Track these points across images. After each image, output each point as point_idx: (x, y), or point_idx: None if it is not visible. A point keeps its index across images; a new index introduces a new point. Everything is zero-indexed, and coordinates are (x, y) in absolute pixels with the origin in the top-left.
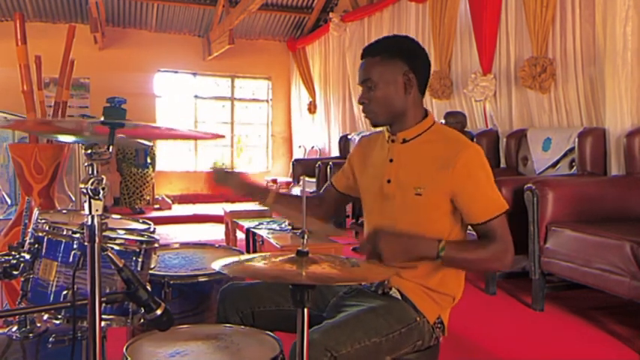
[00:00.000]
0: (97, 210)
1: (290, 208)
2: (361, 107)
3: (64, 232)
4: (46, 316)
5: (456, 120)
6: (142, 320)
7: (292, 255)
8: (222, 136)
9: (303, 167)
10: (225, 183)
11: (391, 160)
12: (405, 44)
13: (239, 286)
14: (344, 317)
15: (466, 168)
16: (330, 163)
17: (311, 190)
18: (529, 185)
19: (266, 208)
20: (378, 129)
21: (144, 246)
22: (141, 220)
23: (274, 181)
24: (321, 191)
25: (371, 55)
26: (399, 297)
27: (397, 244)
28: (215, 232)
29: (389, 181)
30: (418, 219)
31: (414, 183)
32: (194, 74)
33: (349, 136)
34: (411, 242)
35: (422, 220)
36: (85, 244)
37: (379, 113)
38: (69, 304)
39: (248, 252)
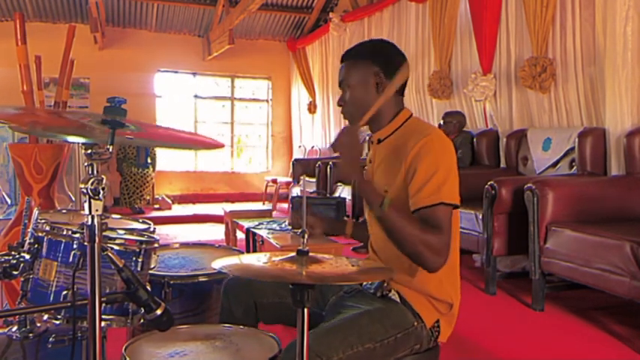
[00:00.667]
0: (97, 210)
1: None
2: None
3: (64, 232)
4: (46, 316)
5: (455, 120)
6: (142, 320)
7: (292, 254)
8: (222, 145)
9: (303, 167)
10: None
11: (370, 162)
12: (378, 47)
13: (241, 280)
14: (338, 322)
15: (416, 154)
16: (330, 162)
17: (311, 190)
18: (529, 185)
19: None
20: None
21: (144, 246)
22: (141, 220)
23: (274, 181)
24: None
25: (346, 59)
26: (398, 300)
27: (351, 166)
28: (215, 232)
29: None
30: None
31: (384, 182)
32: (194, 74)
33: None
34: (361, 181)
35: None
36: (85, 244)
37: (354, 114)
38: (69, 304)
39: (248, 252)
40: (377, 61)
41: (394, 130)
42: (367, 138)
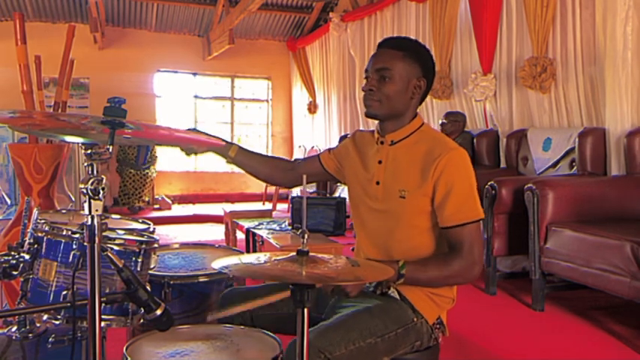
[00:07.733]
0: (96, 210)
1: (254, 161)
2: (363, 94)
3: (64, 233)
4: (45, 317)
5: (456, 120)
6: (141, 320)
7: (292, 254)
8: (221, 144)
9: None
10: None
11: (380, 162)
12: (426, 52)
13: (239, 290)
14: (339, 318)
15: (446, 169)
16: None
17: (311, 191)
18: (529, 185)
19: (228, 160)
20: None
21: (143, 246)
22: (140, 220)
23: None
24: (300, 161)
25: (395, 48)
26: (397, 297)
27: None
28: (215, 232)
29: (378, 183)
30: (400, 221)
31: (400, 185)
32: (194, 74)
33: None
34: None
35: (403, 222)
36: (85, 244)
37: (382, 105)
38: (69, 304)
39: (248, 252)
40: (424, 67)
41: (409, 134)
42: (377, 138)
